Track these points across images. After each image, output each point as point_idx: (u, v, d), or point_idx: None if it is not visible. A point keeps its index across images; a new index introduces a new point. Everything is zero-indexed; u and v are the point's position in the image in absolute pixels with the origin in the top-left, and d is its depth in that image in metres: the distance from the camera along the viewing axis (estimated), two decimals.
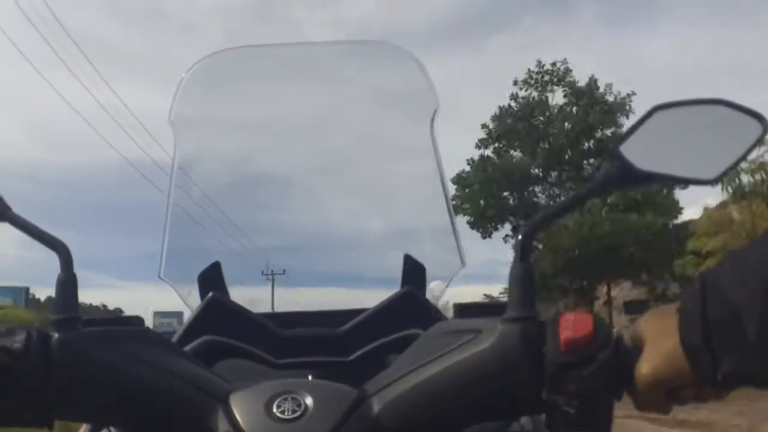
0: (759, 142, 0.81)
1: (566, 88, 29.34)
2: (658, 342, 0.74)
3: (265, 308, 1.49)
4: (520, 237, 0.79)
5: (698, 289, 0.72)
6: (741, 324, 0.68)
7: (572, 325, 0.73)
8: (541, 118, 29.57)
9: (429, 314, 1.17)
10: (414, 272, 1.35)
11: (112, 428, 0.98)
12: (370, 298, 1.30)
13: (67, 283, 0.83)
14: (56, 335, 0.78)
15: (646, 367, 0.73)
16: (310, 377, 1.09)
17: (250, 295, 1.44)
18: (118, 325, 0.99)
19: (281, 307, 1.51)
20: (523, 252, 0.79)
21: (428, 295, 1.32)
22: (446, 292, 1.38)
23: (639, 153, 0.80)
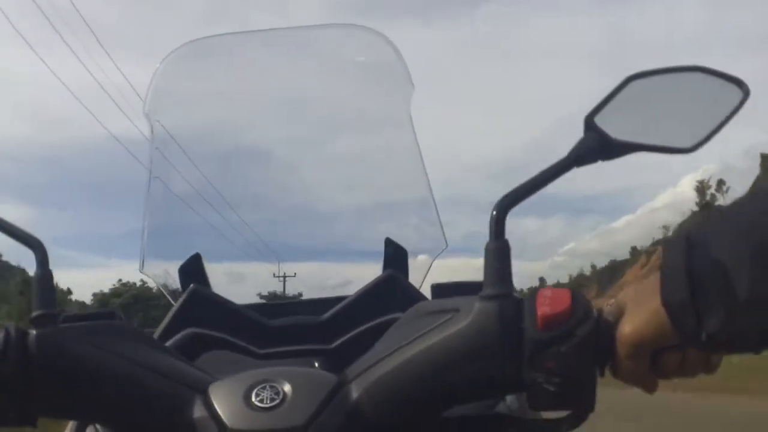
0: (740, 107, 0.80)
1: None
2: (640, 303, 0.72)
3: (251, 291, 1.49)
4: (494, 213, 0.77)
5: (683, 245, 0.69)
6: (729, 281, 0.65)
7: (549, 300, 0.72)
8: None
9: (411, 298, 1.16)
10: (395, 255, 1.34)
11: (98, 426, 0.97)
12: (352, 276, 1.30)
13: (44, 279, 0.82)
14: (34, 332, 0.78)
15: (626, 329, 0.71)
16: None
17: (232, 282, 1.44)
18: (97, 320, 0.98)
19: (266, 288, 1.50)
20: (497, 228, 0.77)
21: (411, 278, 1.31)
22: (430, 272, 1.37)
23: (615, 123, 0.79)
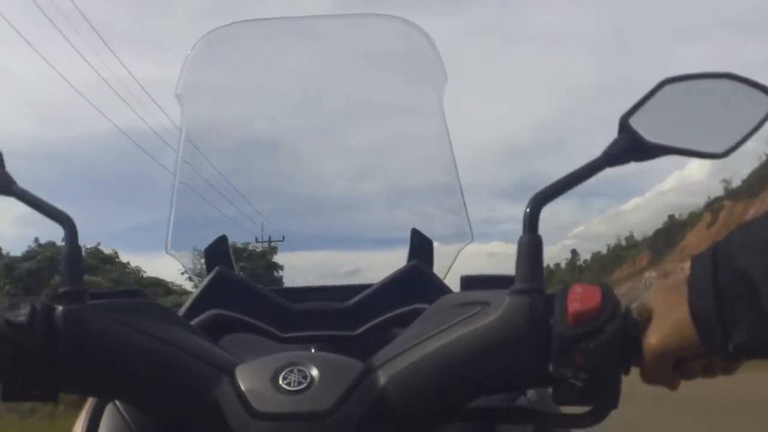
0: None
1: None
2: (667, 312, 0.72)
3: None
4: (528, 209, 0.78)
5: (709, 257, 0.70)
6: (755, 293, 0.66)
7: (580, 297, 0.73)
8: None
9: (436, 288, 1.17)
10: (421, 246, 1.34)
11: (118, 403, 0.98)
12: (376, 267, 1.30)
13: (73, 255, 0.83)
14: (61, 308, 0.78)
15: (654, 337, 0.72)
16: (314, 351, 1.09)
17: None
18: (124, 298, 0.99)
19: (289, 277, 1.51)
20: (531, 223, 0.77)
21: (435, 269, 1.32)
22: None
23: (649, 125, 0.80)
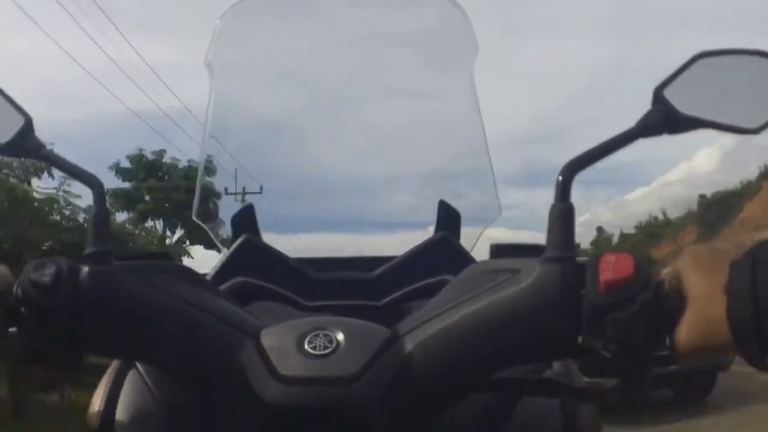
0: None
1: None
2: (703, 307, 0.70)
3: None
4: (560, 177, 0.77)
5: (749, 263, 0.68)
6: None
7: (612, 266, 0.72)
8: None
9: (463, 260, 1.17)
10: (448, 218, 1.34)
11: (140, 367, 0.98)
12: (404, 242, 1.30)
13: (100, 217, 0.83)
14: (87, 268, 0.78)
15: (688, 334, 0.70)
16: None
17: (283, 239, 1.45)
18: (151, 260, 1.00)
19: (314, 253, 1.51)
20: (563, 191, 0.77)
21: (462, 241, 1.32)
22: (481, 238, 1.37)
23: (682, 98, 0.79)
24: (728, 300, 0.68)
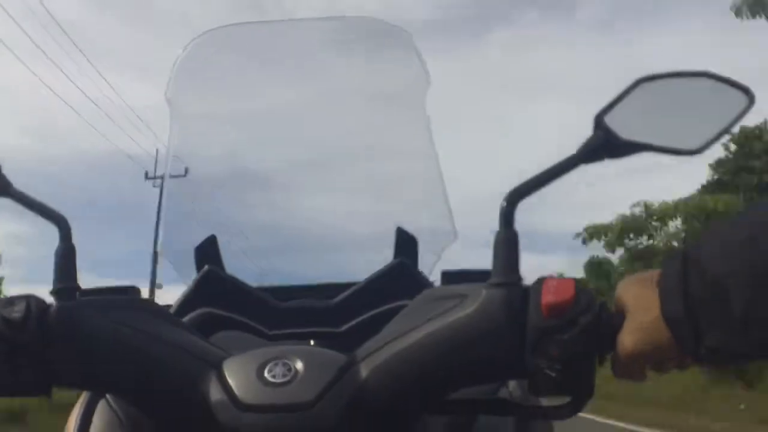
0: (745, 113, 0.82)
1: None
2: (640, 314, 0.74)
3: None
4: (504, 204, 0.80)
5: (680, 262, 0.72)
6: (726, 299, 0.68)
7: (554, 290, 0.75)
8: None
9: (420, 285, 1.18)
10: (406, 244, 1.36)
11: (109, 397, 1.01)
12: (364, 266, 1.32)
13: (66, 254, 0.85)
14: (54, 304, 0.81)
15: (628, 339, 0.74)
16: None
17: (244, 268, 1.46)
18: (116, 294, 1.01)
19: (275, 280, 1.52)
20: (507, 219, 0.80)
21: (420, 267, 1.33)
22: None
23: (623, 123, 0.82)
24: (660, 298, 0.72)
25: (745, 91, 0.82)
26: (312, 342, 1.19)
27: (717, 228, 0.74)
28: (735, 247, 0.69)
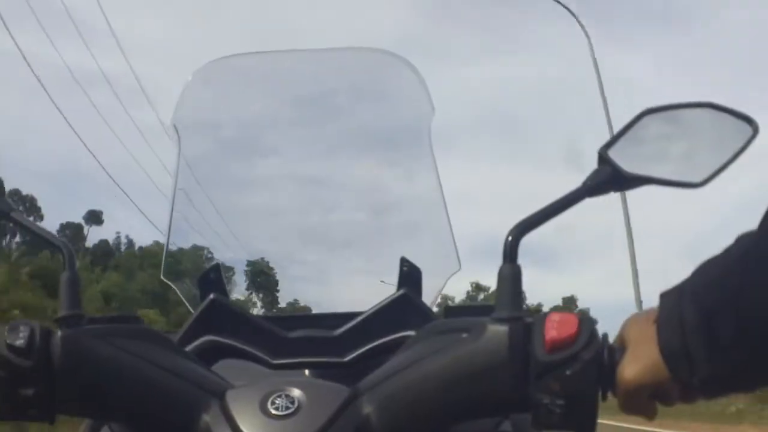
0: (749, 144, 0.82)
1: None
2: (640, 346, 0.75)
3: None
4: (508, 238, 0.80)
5: (676, 294, 0.73)
6: (715, 328, 0.68)
7: (557, 325, 0.75)
8: None
9: (423, 316, 1.19)
10: (410, 275, 1.36)
11: (113, 426, 1.00)
12: (369, 296, 1.31)
13: (71, 281, 0.85)
14: (59, 332, 0.80)
15: (628, 372, 0.75)
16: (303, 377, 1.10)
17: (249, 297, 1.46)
18: (120, 323, 1.01)
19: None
20: (511, 253, 0.80)
21: (424, 297, 1.33)
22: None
23: (627, 156, 0.82)
24: (657, 330, 0.73)
25: (749, 121, 0.82)
26: (313, 372, 1.19)
27: (712, 258, 0.74)
28: (723, 274, 0.70)
